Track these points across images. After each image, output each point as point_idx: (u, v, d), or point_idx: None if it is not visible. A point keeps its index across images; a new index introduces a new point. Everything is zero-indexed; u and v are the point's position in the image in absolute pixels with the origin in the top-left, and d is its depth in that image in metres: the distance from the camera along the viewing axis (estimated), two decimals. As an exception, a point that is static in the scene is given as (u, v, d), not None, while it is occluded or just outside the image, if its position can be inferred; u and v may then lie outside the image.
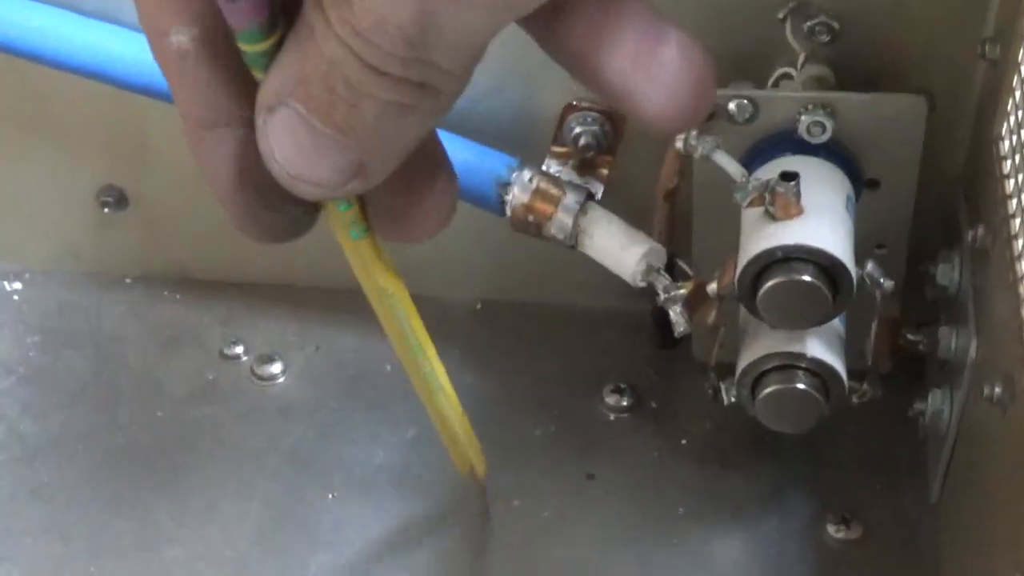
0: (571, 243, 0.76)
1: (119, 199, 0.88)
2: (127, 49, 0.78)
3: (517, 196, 0.76)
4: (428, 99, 0.33)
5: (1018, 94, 0.64)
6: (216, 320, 0.89)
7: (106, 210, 0.88)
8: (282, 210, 0.39)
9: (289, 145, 0.34)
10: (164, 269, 0.91)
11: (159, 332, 0.88)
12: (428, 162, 0.40)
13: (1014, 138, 0.64)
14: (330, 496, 0.78)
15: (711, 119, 0.69)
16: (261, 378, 0.85)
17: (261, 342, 0.87)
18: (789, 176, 0.66)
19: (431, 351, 0.60)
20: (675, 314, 0.73)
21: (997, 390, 0.58)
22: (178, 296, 0.91)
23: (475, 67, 0.35)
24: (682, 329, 0.73)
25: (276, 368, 0.85)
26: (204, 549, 0.76)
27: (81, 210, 0.89)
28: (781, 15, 0.71)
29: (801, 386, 0.69)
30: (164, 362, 0.87)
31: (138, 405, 0.84)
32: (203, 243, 0.90)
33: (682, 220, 0.75)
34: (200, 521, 0.77)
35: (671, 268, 0.74)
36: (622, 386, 0.82)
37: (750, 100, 0.69)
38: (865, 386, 0.71)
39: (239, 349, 0.86)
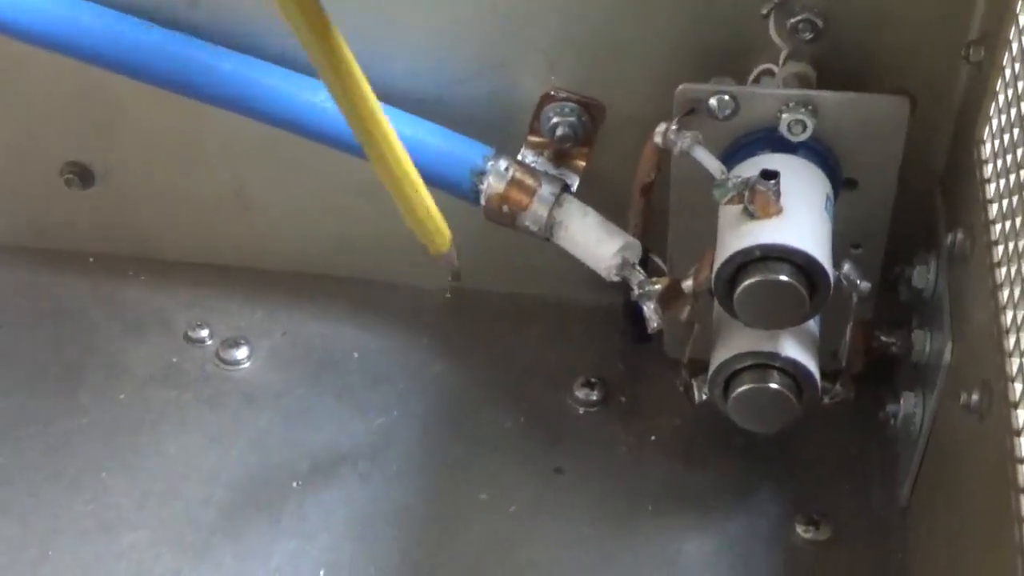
0: (545, 235, 0.75)
1: (84, 175, 0.87)
2: (97, 22, 0.77)
3: (492, 185, 0.75)
4: None
5: (1002, 98, 0.64)
6: (181, 303, 0.88)
7: (70, 186, 0.87)
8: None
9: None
10: (129, 248, 0.90)
11: (122, 313, 0.87)
12: None
13: (996, 142, 0.64)
14: (295, 483, 0.77)
15: (691, 114, 0.69)
16: (226, 362, 0.84)
17: (227, 326, 0.86)
18: (770, 175, 0.65)
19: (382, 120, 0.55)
20: (648, 310, 0.72)
21: (975, 397, 0.57)
22: (143, 277, 0.89)
23: None
24: (655, 325, 0.72)
25: (242, 353, 0.84)
26: (165, 533, 0.75)
27: (44, 185, 0.88)
28: (765, 11, 0.70)
29: (774, 386, 0.69)
30: (127, 344, 0.85)
31: (99, 387, 0.83)
32: (170, 223, 0.89)
33: (658, 215, 0.74)
34: (161, 505, 0.76)
35: (645, 263, 0.74)
36: (592, 380, 0.81)
37: (731, 96, 0.68)
38: (838, 387, 0.71)
39: (204, 333, 0.85)
